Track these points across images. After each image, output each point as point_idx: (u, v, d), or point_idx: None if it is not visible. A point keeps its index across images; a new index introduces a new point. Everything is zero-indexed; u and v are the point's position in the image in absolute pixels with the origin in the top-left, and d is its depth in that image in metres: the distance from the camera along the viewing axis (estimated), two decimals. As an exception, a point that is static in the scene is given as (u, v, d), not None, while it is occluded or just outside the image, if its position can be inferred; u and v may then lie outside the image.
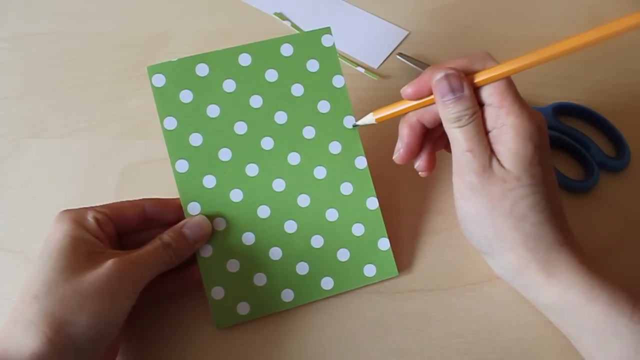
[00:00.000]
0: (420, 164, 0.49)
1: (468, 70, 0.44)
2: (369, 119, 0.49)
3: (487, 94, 0.43)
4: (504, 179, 0.42)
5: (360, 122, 0.50)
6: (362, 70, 0.65)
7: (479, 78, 0.43)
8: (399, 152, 0.47)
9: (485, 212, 0.43)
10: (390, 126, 0.61)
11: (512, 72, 0.43)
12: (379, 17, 0.70)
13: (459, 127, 0.43)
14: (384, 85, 0.64)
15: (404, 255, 0.53)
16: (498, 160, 0.42)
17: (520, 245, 0.43)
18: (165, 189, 0.51)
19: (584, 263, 0.43)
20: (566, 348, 0.45)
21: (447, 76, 0.43)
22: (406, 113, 0.47)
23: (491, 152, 0.43)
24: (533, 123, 0.42)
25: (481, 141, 0.43)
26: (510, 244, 0.43)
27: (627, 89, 0.63)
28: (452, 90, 0.43)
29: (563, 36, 0.68)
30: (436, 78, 0.43)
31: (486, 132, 0.43)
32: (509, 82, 0.43)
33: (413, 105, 0.46)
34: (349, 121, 0.51)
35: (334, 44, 0.51)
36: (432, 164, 0.49)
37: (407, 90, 0.45)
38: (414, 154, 0.48)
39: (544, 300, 0.44)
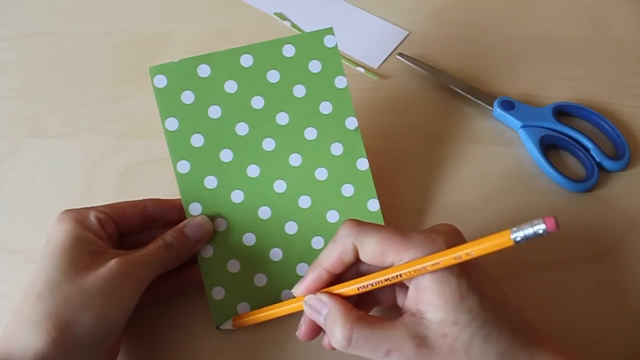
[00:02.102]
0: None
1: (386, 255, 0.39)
2: (228, 324, 0.48)
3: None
4: (443, 333, 0.37)
5: (223, 327, 0.49)
6: (362, 70, 0.65)
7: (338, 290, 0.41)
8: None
9: None
10: (390, 126, 0.61)
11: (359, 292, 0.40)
12: (379, 17, 0.70)
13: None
14: (384, 85, 0.64)
15: (404, 255, 0.53)
16: (426, 320, 0.37)
17: None
18: (166, 189, 0.51)
19: None
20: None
21: (305, 303, 0.42)
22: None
23: (415, 325, 0.38)
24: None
25: (391, 331, 0.38)
26: None
27: (627, 89, 0.63)
28: (319, 313, 0.41)
29: (563, 36, 0.68)
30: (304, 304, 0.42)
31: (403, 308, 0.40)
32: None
33: (275, 314, 0.45)
34: (351, 122, 0.51)
35: (336, 44, 0.50)
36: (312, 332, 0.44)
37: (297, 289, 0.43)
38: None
39: None
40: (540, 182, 0.57)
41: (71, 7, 0.71)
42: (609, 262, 0.52)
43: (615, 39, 0.68)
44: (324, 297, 0.41)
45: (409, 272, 0.37)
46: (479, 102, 0.61)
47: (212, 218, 0.49)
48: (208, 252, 0.48)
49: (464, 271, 0.38)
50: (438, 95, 0.63)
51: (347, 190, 0.50)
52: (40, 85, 0.64)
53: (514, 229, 0.33)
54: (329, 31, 0.51)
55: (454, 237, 0.39)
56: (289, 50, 0.50)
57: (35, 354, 0.37)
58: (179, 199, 0.49)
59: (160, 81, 0.48)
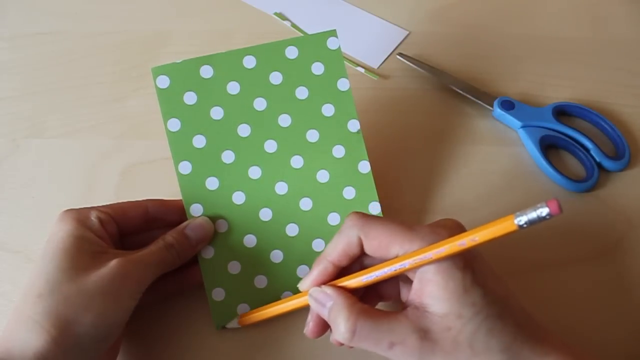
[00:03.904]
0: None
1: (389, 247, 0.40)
2: (234, 323, 0.49)
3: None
4: (447, 326, 0.37)
5: (229, 326, 0.49)
6: (362, 70, 0.65)
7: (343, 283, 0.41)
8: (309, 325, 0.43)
9: None
10: (390, 126, 0.61)
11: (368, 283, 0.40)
12: (379, 17, 0.70)
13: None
14: (384, 85, 0.64)
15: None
16: (430, 314, 0.38)
17: None
18: (165, 189, 0.51)
19: None
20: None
21: (309, 295, 0.42)
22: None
23: (419, 318, 0.38)
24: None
25: (394, 324, 0.38)
26: None
27: (628, 89, 0.63)
28: (323, 306, 0.41)
29: (563, 36, 0.68)
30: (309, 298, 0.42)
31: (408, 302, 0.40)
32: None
33: (280, 310, 0.45)
34: (353, 125, 0.50)
35: (339, 46, 0.50)
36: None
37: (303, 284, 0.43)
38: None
39: None
40: (540, 182, 0.57)
41: (71, 7, 0.71)
42: (609, 261, 0.53)
43: (615, 39, 0.68)
44: (328, 290, 0.41)
45: (414, 261, 0.37)
46: (479, 102, 0.61)
47: (213, 219, 0.49)
48: (209, 253, 0.49)
49: (468, 265, 0.38)
50: (438, 95, 0.63)
51: (349, 193, 0.50)
52: (40, 85, 0.64)
53: (518, 213, 0.33)
54: (332, 33, 0.50)
55: (458, 232, 0.39)
56: (291, 52, 0.50)
57: (35, 354, 0.38)
58: (180, 200, 0.49)
59: (163, 82, 0.48)
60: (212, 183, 0.49)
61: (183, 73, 0.49)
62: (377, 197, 0.51)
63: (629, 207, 0.56)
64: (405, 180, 0.57)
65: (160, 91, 0.48)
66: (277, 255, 0.49)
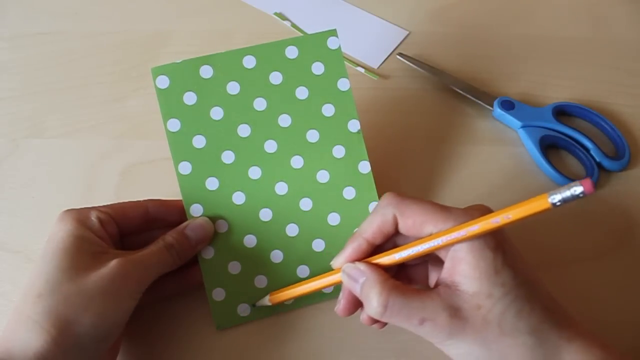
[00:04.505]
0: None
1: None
2: (265, 301, 0.49)
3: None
4: (477, 305, 0.37)
5: (258, 304, 0.49)
6: (362, 70, 0.65)
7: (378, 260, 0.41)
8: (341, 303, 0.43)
9: (478, 349, 0.38)
10: (390, 126, 0.61)
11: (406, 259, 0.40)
12: (379, 17, 0.70)
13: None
14: (384, 85, 0.64)
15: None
16: (461, 292, 0.38)
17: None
18: (165, 189, 0.51)
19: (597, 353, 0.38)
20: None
21: (343, 271, 0.42)
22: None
23: (450, 296, 0.38)
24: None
25: (426, 300, 0.38)
26: None
27: (627, 89, 0.63)
28: (356, 282, 0.41)
29: (563, 36, 0.68)
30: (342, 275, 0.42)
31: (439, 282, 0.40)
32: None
33: (311, 287, 0.45)
34: (353, 125, 0.50)
35: (339, 46, 0.50)
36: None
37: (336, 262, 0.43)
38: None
39: None
40: (540, 182, 0.57)
41: (71, 7, 0.71)
42: (609, 261, 0.53)
43: (615, 39, 0.68)
44: (361, 266, 0.41)
45: (447, 239, 0.38)
46: (479, 102, 0.61)
47: (213, 219, 0.48)
48: (209, 253, 0.48)
49: (499, 246, 0.38)
50: (438, 95, 0.63)
51: (349, 193, 0.50)
52: (40, 85, 0.64)
53: (551, 192, 0.33)
54: (332, 33, 0.50)
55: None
56: (291, 52, 0.50)
57: (35, 354, 0.38)
58: (180, 200, 0.49)
59: (163, 82, 0.48)
60: (212, 183, 0.49)
61: (183, 73, 0.49)
62: (377, 197, 0.51)
63: (629, 207, 0.56)
64: (406, 181, 0.57)
65: (160, 91, 0.48)
66: (277, 256, 0.49)
